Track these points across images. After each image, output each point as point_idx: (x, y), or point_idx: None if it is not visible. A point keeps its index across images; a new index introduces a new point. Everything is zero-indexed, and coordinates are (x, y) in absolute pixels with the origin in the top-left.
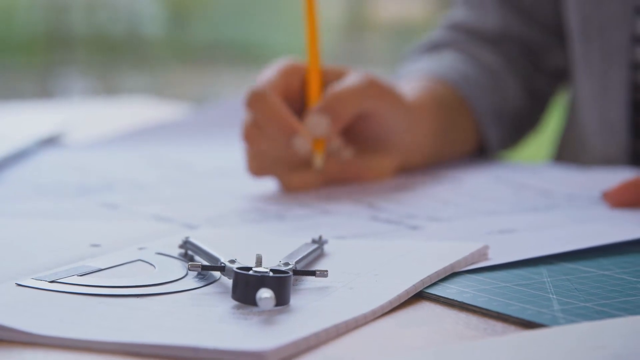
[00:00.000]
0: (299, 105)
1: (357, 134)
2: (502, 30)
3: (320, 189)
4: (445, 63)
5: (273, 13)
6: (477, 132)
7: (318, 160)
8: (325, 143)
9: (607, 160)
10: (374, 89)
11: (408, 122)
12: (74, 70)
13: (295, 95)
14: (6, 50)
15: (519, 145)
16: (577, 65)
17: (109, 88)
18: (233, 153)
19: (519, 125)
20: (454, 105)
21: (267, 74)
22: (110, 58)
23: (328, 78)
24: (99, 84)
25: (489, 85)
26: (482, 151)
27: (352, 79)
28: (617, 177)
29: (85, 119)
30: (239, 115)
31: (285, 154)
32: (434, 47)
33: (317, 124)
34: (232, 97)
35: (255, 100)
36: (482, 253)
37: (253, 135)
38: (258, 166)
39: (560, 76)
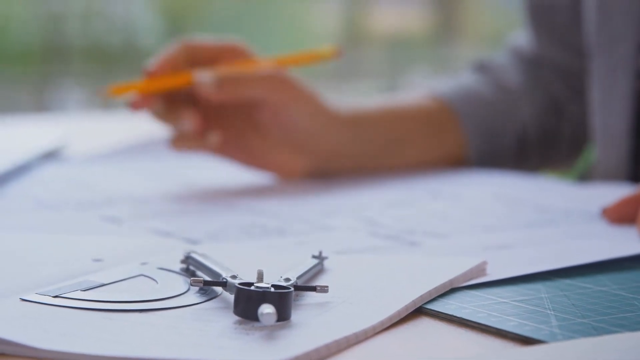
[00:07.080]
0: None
1: (264, 126)
2: (537, 54)
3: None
4: (452, 80)
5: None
6: (461, 144)
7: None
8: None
9: (607, 167)
10: (275, 80)
11: (321, 125)
12: (70, 81)
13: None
14: (1, 62)
15: (553, 163)
16: (590, 77)
17: (105, 99)
18: (232, 168)
19: (535, 145)
20: (431, 120)
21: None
22: (106, 69)
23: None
24: (96, 95)
25: (492, 102)
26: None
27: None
28: (615, 192)
29: (84, 132)
30: None
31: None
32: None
33: (205, 75)
34: None
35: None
36: (480, 269)
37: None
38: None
39: None
